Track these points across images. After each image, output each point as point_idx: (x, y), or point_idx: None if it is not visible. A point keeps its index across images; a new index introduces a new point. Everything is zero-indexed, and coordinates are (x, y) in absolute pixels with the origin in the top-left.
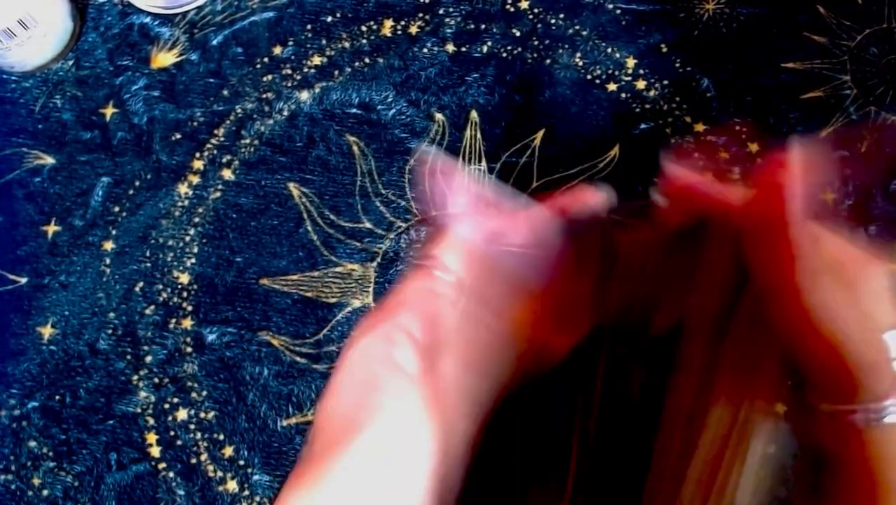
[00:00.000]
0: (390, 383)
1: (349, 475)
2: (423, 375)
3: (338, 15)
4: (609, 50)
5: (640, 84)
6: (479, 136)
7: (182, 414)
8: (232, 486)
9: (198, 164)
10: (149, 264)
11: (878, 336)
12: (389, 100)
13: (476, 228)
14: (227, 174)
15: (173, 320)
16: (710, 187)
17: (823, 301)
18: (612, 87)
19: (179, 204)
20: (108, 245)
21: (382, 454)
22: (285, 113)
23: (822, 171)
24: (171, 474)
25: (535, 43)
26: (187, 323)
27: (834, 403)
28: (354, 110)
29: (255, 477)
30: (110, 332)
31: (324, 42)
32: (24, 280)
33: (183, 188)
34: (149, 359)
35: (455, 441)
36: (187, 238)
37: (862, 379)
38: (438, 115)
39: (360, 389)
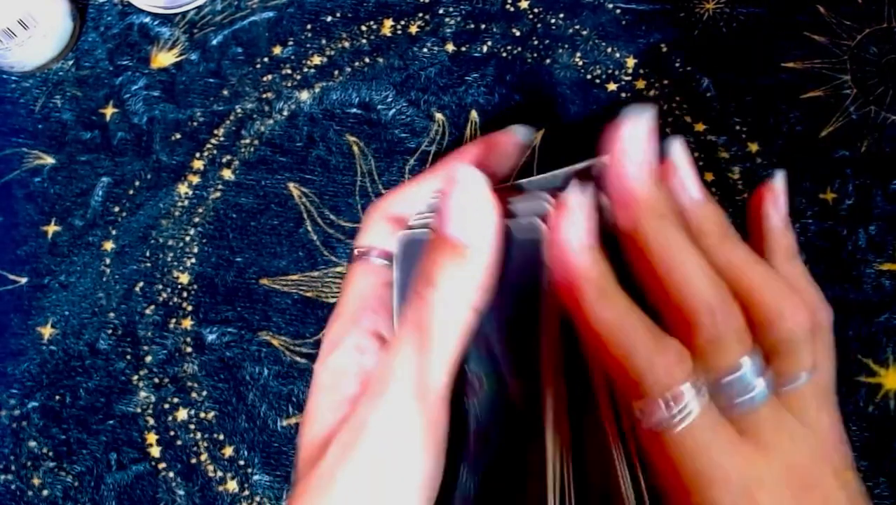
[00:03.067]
0: (370, 398)
1: (348, 496)
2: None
3: (338, 15)
4: (609, 50)
5: (640, 84)
6: (479, 136)
7: (182, 414)
8: (232, 486)
9: (198, 164)
10: (149, 264)
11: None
12: (389, 100)
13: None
14: (227, 174)
15: (173, 320)
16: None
17: None
18: (612, 87)
19: (179, 204)
20: (108, 245)
21: (378, 471)
22: (285, 113)
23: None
24: (171, 474)
25: (535, 43)
26: (187, 323)
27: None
28: (354, 110)
29: (255, 477)
30: (110, 332)
31: (324, 42)
32: (24, 280)
33: (183, 188)
34: (149, 359)
35: (441, 432)
36: (187, 238)
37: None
38: (438, 115)
39: (339, 410)
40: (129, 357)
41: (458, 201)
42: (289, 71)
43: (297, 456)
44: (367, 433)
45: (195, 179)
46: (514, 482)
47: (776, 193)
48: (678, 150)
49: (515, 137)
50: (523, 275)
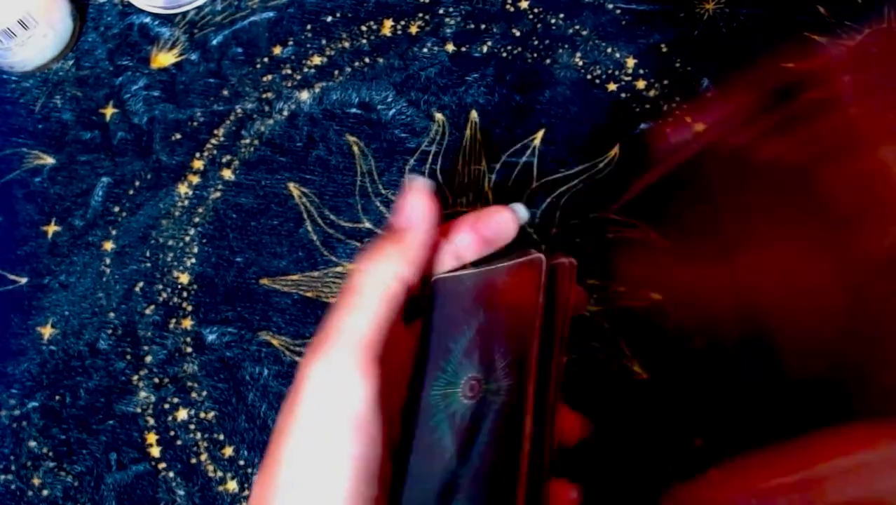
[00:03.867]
0: (308, 353)
1: (292, 451)
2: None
3: (338, 15)
4: (609, 50)
5: (640, 84)
6: (479, 136)
7: (182, 414)
8: (232, 486)
9: (198, 164)
10: (149, 264)
11: None
12: (389, 100)
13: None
14: (227, 174)
15: (173, 320)
16: None
17: None
18: (612, 87)
19: (179, 204)
20: (108, 245)
21: (318, 416)
22: (285, 113)
23: None
24: (171, 474)
25: (535, 43)
26: (187, 323)
27: None
28: (354, 110)
29: (255, 477)
30: (110, 332)
31: (324, 42)
32: (24, 280)
33: (183, 188)
34: (149, 359)
35: (373, 385)
36: (187, 238)
37: None
38: (438, 115)
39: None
40: (129, 357)
41: (405, 201)
42: (289, 71)
43: (265, 472)
44: (305, 385)
45: (195, 179)
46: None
47: None
48: None
49: (515, 215)
50: (518, 296)
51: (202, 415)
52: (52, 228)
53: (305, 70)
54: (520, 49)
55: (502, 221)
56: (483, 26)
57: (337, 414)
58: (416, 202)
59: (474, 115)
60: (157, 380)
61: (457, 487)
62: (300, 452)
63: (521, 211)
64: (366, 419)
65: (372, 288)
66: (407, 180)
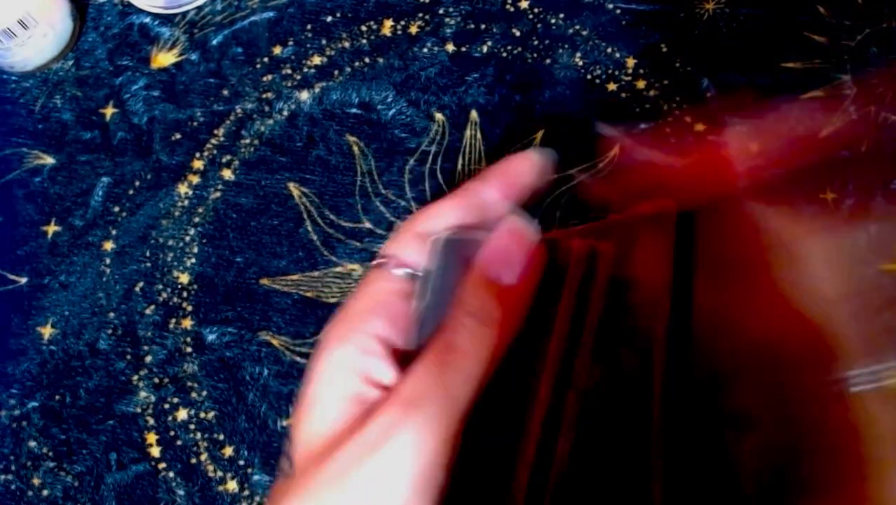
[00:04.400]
0: (371, 404)
1: (360, 495)
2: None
3: (338, 15)
4: (609, 50)
5: (640, 84)
6: (479, 136)
7: (182, 414)
8: (232, 486)
9: (198, 164)
10: (149, 264)
11: (825, 310)
12: (389, 100)
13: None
14: (227, 174)
15: (173, 320)
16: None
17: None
18: (612, 87)
19: (179, 204)
20: (108, 245)
21: (396, 476)
22: (285, 113)
23: (768, 145)
24: (171, 474)
25: (535, 43)
26: (187, 323)
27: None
28: (354, 110)
29: (255, 477)
30: (110, 332)
31: (324, 42)
32: (24, 280)
33: (183, 188)
34: (149, 359)
35: (439, 446)
36: (187, 238)
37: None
38: (438, 115)
39: (342, 405)
40: (129, 357)
41: (509, 251)
42: (289, 71)
43: (293, 445)
44: (394, 440)
45: (195, 179)
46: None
47: None
48: None
49: (534, 160)
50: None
51: (202, 415)
52: (52, 228)
53: (305, 70)
54: (520, 49)
55: (524, 170)
56: (483, 26)
57: (421, 483)
58: (523, 255)
59: (474, 115)
60: (157, 380)
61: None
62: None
63: (538, 155)
64: (441, 482)
65: (477, 353)
66: (511, 225)
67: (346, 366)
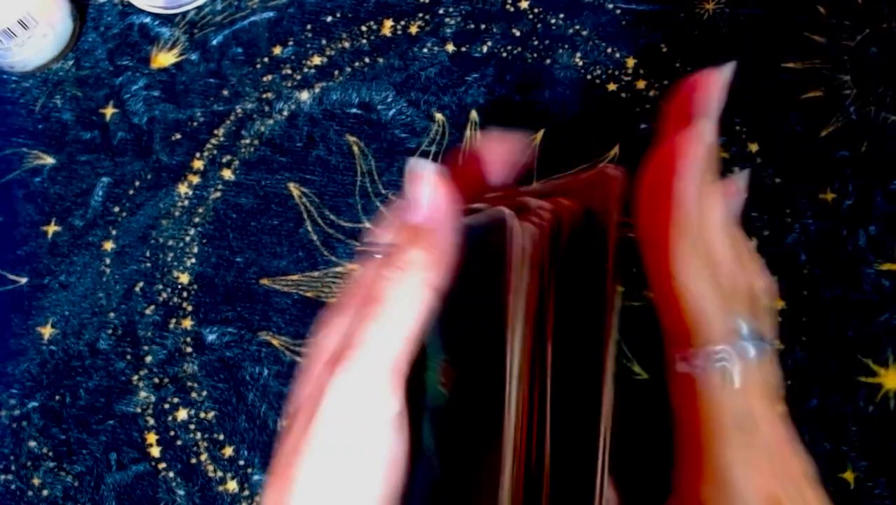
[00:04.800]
0: (329, 367)
1: (313, 469)
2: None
3: (338, 15)
4: (609, 50)
5: (640, 84)
6: (479, 136)
7: (182, 414)
8: (232, 486)
9: (198, 164)
10: (149, 264)
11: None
12: (389, 100)
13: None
14: (227, 174)
15: (173, 320)
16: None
17: (678, 256)
18: (612, 87)
19: (179, 204)
20: (108, 245)
21: (341, 438)
22: (285, 113)
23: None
24: (171, 474)
25: (535, 43)
26: (187, 323)
27: (676, 349)
28: (354, 110)
29: (255, 477)
30: (110, 332)
31: (324, 42)
32: (24, 280)
33: (183, 188)
34: (149, 359)
35: (401, 403)
36: (187, 238)
37: (696, 326)
38: (438, 115)
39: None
40: (129, 357)
41: (417, 192)
42: (289, 71)
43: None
44: (328, 401)
45: (195, 179)
46: (475, 462)
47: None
48: (744, 180)
49: (512, 140)
50: (483, 260)
51: (202, 415)
52: (52, 228)
53: (305, 70)
54: (520, 49)
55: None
56: (483, 26)
57: (364, 436)
58: (432, 192)
59: (474, 115)
60: (157, 380)
61: None
62: (321, 474)
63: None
64: (392, 442)
65: (403, 301)
66: (409, 167)
67: (328, 347)
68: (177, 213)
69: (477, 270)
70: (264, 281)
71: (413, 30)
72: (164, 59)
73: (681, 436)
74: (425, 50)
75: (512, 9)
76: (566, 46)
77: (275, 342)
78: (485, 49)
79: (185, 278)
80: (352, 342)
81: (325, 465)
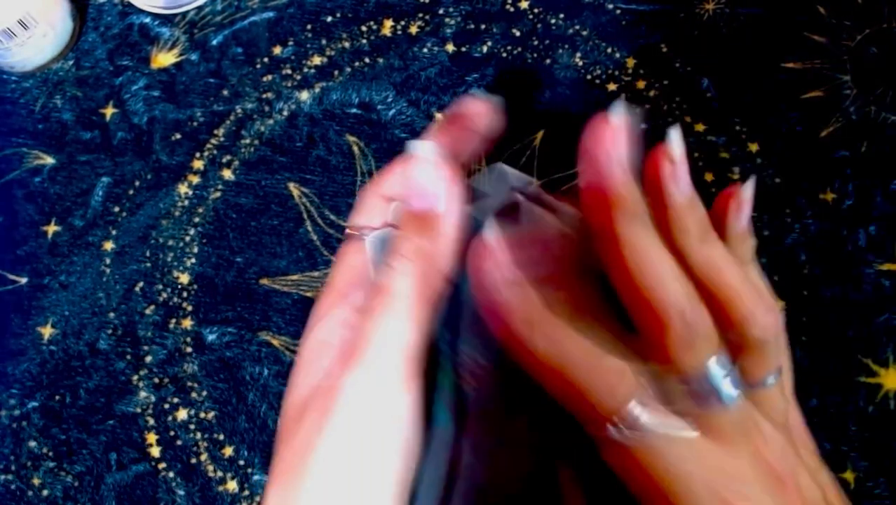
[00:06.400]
0: (344, 362)
1: (326, 465)
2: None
3: (338, 15)
4: (609, 50)
5: (640, 84)
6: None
7: (182, 414)
8: (232, 486)
9: (198, 164)
10: (149, 264)
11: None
12: (389, 100)
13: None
14: (227, 174)
15: (173, 320)
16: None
17: None
18: (612, 87)
19: (179, 204)
20: (108, 245)
21: (356, 435)
22: (285, 113)
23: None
24: (171, 474)
25: (535, 43)
26: (187, 323)
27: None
28: (354, 110)
29: (255, 477)
30: (110, 332)
31: (324, 42)
32: (24, 280)
33: (183, 188)
34: (149, 359)
35: (417, 396)
36: (187, 238)
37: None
38: (438, 115)
39: (316, 379)
40: (129, 357)
41: (420, 177)
42: (289, 71)
43: (279, 425)
44: (344, 397)
45: (195, 179)
46: (516, 461)
47: (741, 202)
48: (676, 139)
49: (479, 105)
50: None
51: (202, 415)
52: (52, 228)
53: (305, 70)
54: (520, 49)
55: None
56: (483, 26)
57: (380, 432)
58: (435, 177)
59: None
60: (157, 380)
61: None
62: (336, 469)
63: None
64: (408, 436)
65: (413, 292)
66: (409, 150)
67: (324, 342)
68: (177, 213)
69: None
70: (264, 281)
71: (413, 30)
72: (164, 59)
73: None
74: (425, 50)
75: (512, 9)
76: (566, 46)
77: (275, 342)
78: (485, 49)
79: (185, 278)
80: (362, 336)
81: (339, 460)
